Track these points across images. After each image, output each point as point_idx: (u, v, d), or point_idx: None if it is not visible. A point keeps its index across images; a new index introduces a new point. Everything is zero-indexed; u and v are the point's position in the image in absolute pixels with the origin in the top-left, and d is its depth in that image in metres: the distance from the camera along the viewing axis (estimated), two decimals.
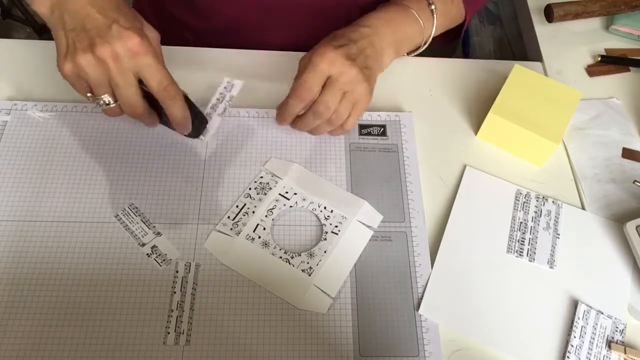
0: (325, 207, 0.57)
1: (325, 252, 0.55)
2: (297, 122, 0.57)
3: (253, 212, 0.56)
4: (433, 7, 0.62)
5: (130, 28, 0.47)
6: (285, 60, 0.69)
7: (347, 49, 0.54)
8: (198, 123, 0.56)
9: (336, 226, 0.56)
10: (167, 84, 0.49)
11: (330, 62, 0.53)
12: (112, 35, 0.46)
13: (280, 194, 0.58)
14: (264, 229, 0.55)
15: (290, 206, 0.57)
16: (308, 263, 0.54)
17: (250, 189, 0.58)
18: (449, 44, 0.71)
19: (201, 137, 0.59)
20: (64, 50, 0.47)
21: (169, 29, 0.76)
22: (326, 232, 0.56)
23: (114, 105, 0.50)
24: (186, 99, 0.52)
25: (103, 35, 0.46)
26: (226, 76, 0.64)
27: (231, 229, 0.55)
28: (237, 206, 0.57)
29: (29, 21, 1.69)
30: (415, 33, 0.62)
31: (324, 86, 0.53)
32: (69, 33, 0.47)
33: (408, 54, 0.65)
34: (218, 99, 0.60)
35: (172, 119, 0.52)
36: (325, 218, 0.57)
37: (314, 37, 0.58)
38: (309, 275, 0.53)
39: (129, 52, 0.47)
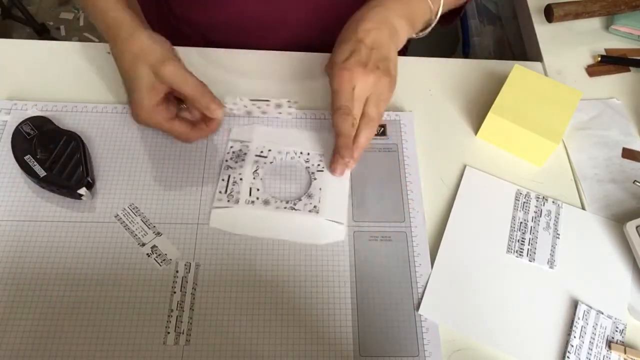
0: (301, 152, 0.60)
1: (320, 188, 0.57)
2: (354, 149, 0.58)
3: (241, 179, 0.58)
4: None
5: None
6: (288, 60, 0.68)
7: (358, 57, 0.56)
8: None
9: (318, 164, 0.59)
10: None
11: (349, 80, 0.56)
12: None
13: (256, 155, 0.59)
14: (258, 189, 0.57)
15: (271, 162, 0.59)
16: (311, 203, 0.56)
17: (226, 160, 0.59)
18: (448, 25, 0.71)
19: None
20: None
21: (168, 23, 0.75)
22: (313, 173, 0.59)
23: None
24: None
25: None
26: (227, 75, 0.64)
27: (228, 200, 0.56)
28: (222, 179, 0.58)
29: (29, 21, 1.69)
30: (425, 8, 0.62)
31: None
32: None
33: (417, 33, 0.64)
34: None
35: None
36: (306, 161, 0.59)
37: (320, 33, 0.57)
38: (317, 213, 0.56)
39: None
